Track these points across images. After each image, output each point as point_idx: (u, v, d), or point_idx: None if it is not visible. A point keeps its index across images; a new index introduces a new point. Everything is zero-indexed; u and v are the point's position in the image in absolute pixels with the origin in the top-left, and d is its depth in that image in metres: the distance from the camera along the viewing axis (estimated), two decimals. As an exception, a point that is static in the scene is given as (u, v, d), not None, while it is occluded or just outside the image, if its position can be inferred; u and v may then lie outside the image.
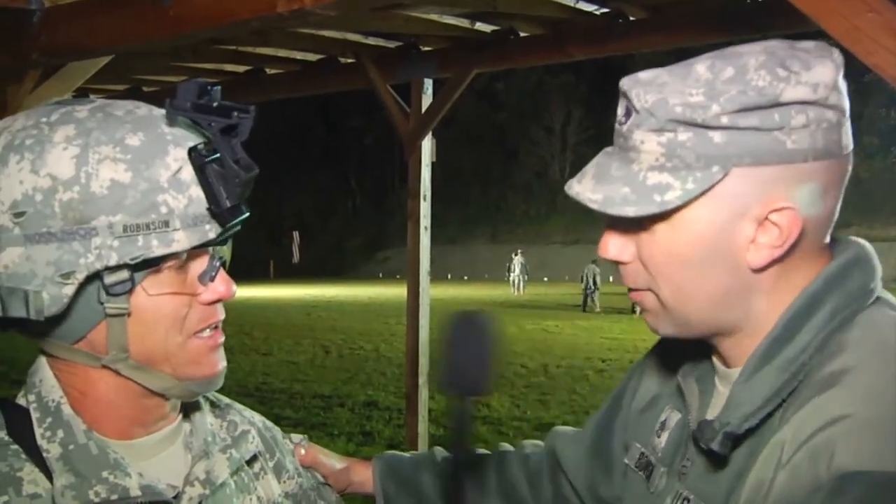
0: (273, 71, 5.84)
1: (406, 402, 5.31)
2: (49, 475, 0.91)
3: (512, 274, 35.31)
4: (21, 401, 0.97)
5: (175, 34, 3.15)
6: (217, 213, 0.90)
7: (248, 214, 0.94)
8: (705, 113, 0.90)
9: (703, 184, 0.91)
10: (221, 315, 0.99)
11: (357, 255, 56.61)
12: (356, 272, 51.95)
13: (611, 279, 25.93)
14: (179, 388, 0.96)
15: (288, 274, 42.92)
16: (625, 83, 0.96)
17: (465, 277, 45.87)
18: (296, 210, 53.55)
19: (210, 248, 0.95)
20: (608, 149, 0.99)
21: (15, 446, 0.93)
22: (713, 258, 0.94)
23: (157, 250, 0.88)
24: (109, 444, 0.95)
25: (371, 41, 5.05)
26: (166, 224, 0.88)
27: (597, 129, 54.16)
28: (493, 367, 0.99)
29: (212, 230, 0.91)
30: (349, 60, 5.41)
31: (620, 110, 0.96)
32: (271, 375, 12.54)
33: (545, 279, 43.86)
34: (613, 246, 1.00)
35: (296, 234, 47.50)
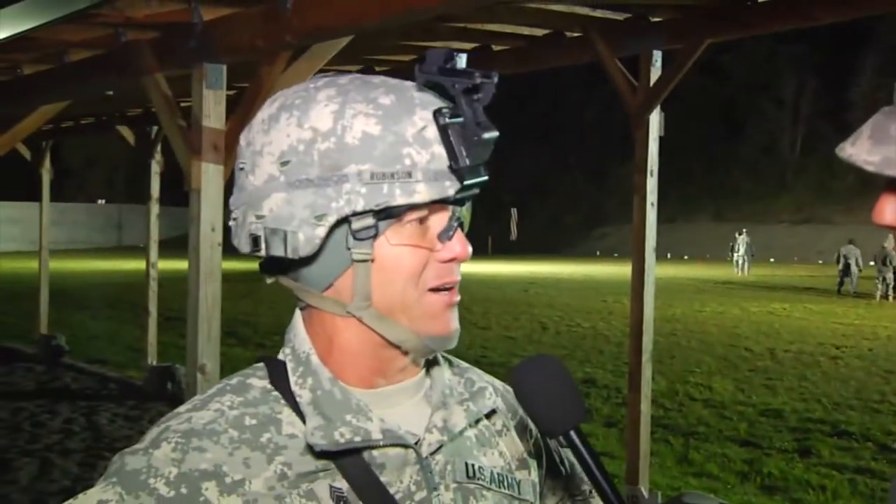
0: (499, 47, 5.89)
1: (628, 381, 5.24)
2: (303, 419, 1.00)
3: (736, 254, 33.94)
4: (280, 355, 1.07)
5: (407, 12, 3.27)
6: (456, 169, 0.96)
7: (486, 177, 1.00)
8: None
9: None
10: (457, 276, 1.04)
11: (574, 232, 56.28)
12: (573, 249, 51.71)
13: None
14: (416, 341, 1.02)
15: (506, 250, 43.49)
16: None
17: (686, 257, 44.55)
18: (514, 186, 54.06)
19: (450, 209, 1.01)
20: (886, 108, 0.87)
21: (276, 393, 1.03)
22: None
23: (400, 199, 0.95)
24: (352, 391, 1.03)
25: (599, 14, 4.98)
26: (409, 175, 0.95)
27: (833, 101, 50.72)
28: (577, 394, 1.02)
29: (451, 187, 0.97)
30: (576, 34, 5.36)
31: None
32: (489, 349, 12.79)
33: (771, 260, 41.83)
34: (892, 210, 0.87)
35: (514, 211, 47.94)
